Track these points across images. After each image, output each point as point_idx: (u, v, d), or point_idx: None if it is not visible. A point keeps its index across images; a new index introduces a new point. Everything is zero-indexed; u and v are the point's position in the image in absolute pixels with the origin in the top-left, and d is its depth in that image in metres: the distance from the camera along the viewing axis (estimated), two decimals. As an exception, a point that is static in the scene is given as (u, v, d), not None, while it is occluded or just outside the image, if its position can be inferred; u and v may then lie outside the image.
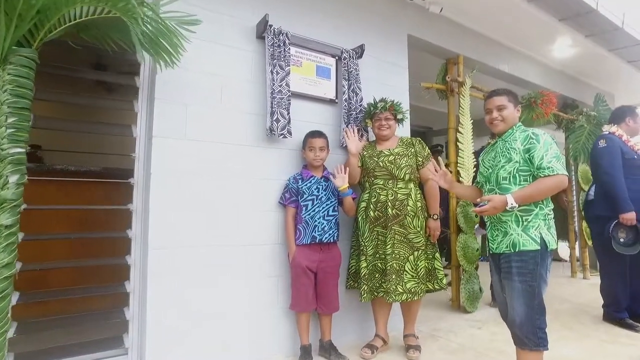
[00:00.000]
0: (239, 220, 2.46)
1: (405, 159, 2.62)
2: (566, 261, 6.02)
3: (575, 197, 5.56)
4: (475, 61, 4.04)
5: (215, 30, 2.47)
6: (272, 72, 2.51)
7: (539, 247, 1.95)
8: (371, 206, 2.59)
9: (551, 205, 2.06)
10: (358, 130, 2.73)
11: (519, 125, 2.20)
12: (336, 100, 2.89)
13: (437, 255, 2.70)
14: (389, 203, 2.55)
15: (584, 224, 5.34)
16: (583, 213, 5.57)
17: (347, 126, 2.82)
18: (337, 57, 2.91)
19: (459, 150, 3.78)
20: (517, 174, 2.06)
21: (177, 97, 2.32)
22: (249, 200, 2.50)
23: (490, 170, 2.20)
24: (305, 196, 2.47)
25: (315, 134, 2.53)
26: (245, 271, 2.47)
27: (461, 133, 3.79)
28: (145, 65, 2.30)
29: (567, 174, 2.01)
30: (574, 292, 4.52)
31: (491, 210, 2.00)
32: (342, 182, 2.48)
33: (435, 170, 2.28)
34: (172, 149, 2.28)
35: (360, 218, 2.65)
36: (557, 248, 2.11)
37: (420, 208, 2.62)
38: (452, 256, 3.84)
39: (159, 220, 2.21)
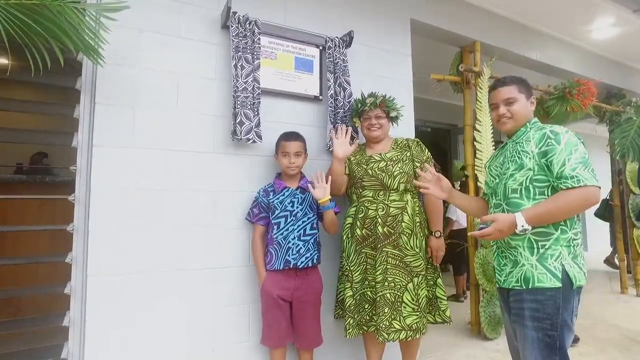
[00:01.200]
0: (199, 240, 2.11)
1: (399, 165, 2.18)
2: (616, 269, 5.26)
3: (624, 200, 4.83)
4: (496, 48, 3.49)
5: (172, 21, 2.14)
6: (236, 66, 2.15)
7: (560, 284, 1.47)
8: (358, 223, 2.16)
9: (578, 227, 1.57)
10: (348, 131, 2.29)
11: (534, 122, 1.72)
12: (321, 97, 2.48)
13: (439, 281, 2.23)
14: (379, 219, 2.12)
15: (636, 232, 4.62)
16: (634, 219, 4.88)
17: (333, 126, 2.41)
18: (321, 47, 2.50)
19: (477, 151, 3.26)
20: (530, 186, 1.58)
21: (123, 100, 2.00)
22: (212, 216, 2.15)
23: (497, 180, 1.73)
24: (277, 212, 2.08)
25: (290, 136, 2.13)
26: (210, 299, 2.11)
27: (479, 131, 3.27)
28: (87, 64, 2.00)
29: (598, 184, 1.50)
30: (624, 315, 3.83)
31: (496, 234, 1.53)
32: (322, 193, 2.07)
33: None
34: (116, 160, 1.96)
35: (345, 237, 2.23)
36: (584, 284, 1.60)
37: (418, 224, 2.17)
38: (470, 274, 3.33)
39: (100, 242, 1.90)
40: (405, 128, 2.80)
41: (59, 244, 1.92)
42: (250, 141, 2.15)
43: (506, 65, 3.73)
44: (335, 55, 2.47)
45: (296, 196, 2.11)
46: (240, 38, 2.18)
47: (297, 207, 2.09)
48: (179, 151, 2.10)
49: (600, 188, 1.55)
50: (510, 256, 1.61)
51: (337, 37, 2.51)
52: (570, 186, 1.49)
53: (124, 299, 1.93)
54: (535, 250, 1.54)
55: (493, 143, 3.29)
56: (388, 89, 2.74)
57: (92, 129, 1.94)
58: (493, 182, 1.77)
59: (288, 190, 2.11)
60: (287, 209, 2.08)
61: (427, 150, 2.32)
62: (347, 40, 2.53)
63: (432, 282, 2.22)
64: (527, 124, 1.72)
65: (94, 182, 1.91)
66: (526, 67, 3.95)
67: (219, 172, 2.19)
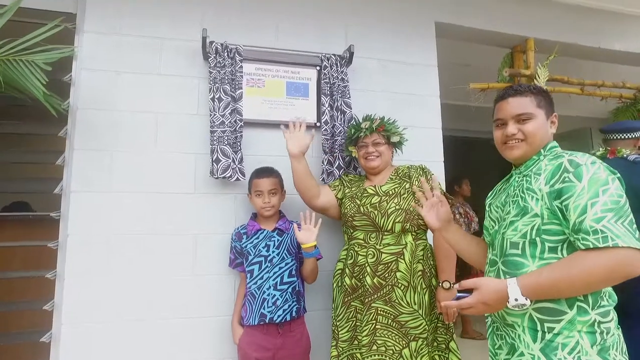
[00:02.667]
0: (180, 288, 1.98)
1: (395, 200, 1.81)
2: None
3: None
4: (556, 43, 2.84)
5: (151, 59, 2.08)
6: (213, 99, 2.00)
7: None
8: (347, 270, 1.83)
9: (609, 303, 1.08)
10: (302, 124, 1.89)
11: (552, 148, 1.27)
12: (319, 124, 2.21)
13: (453, 345, 1.77)
14: (368, 268, 1.76)
15: None
16: None
17: (326, 155, 2.12)
18: (318, 68, 2.24)
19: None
20: (537, 239, 1.14)
21: (101, 144, 1.98)
22: (192, 262, 2.00)
23: (496, 228, 1.29)
24: (250, 258, 1.85)
25: (262, 173, 1.90)
26: (188, 352, 1.96)
27: (535, 147, 2.66)
28: (72, 112, 2.02)
29: (638, 245, 1.00)
30: None
31: (479, 307, 1.10)
32: (308, 237, 1.78)
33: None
34: (94, 205, 1.93)
35: (335, 285, 1.91)
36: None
37: (420, 274, 1.76)
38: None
39: (76, 289, 1.87)
40: (432, 150, 2.40)
41: (44, 291, 1.95)
42: (233, 179, 1.97)
43: (572, 62, 3.03)
44: (332, 75, 2.19)
45: (272, 239, 1.86)
46: (219, 69, 2.03)
47: (273, 252, 1.84)
48: (158, 193, 2.01)
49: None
50: (507, 337, 1.16)
51: (334, 55, 2.22)
52: (591, 245, 1.02)
53: (99, 348, 1.86)
54: (540, 334, 1.08)
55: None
56: (408, 107, 2.40)
57: (70, 175, 1.94)
58: (492, 228, 1.32)
59: (263, 233, 1.87)
60: (262, 254, 1.83)
61: (435, 178, 1.90)
62: (347, 56, 2.24)
63: (443, 346, 1.77)
64: (542, 150, 1.27)
65: (71, 228, 1.90)
66: (605, 60, 3.17)
67: (200, 214, 2.04)
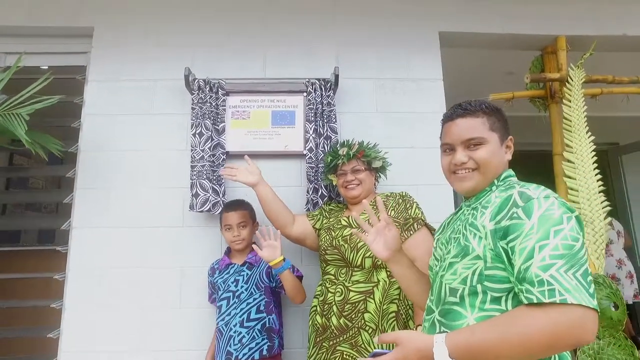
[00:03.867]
0: (167, 320, 2.01)
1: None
2: None
3: None
4: (593, 38, 2.42)
5: (144, 101, 2.22)
6: (194, 135, 2.05)
7: None
8: (318, 308, 1.70)
9: None
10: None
11: (506, 178, 1.08)
12: (305, 152, 2.14)
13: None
14: (335, 307, 1.61)
15: None
16: None
17: (311, 184, 2.03)
18: (305, 94, 2.19)
19: (570, 192, 2.25)
20: (479, 286, 0.97)
21: (99, 183, 2.13)
22: (178, 295, 2.03)
23: (437, 269, 1.10)
24: (220, 293, 1.81)
25: (229, 207, 1.87)
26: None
27: (571, 162, 2.27)
28: (79, 155, 2.22)
29: (594, 305, 0.81)
30: None
31: None
32: (270, 253, 1.69)
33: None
34: (91, 240, 2.07)
35: (310, 323, 1.77)
36: None
37: (392, 316, 1.56)
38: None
39: (74, 320, 2.01)
40: (437, 173, 2.16)
41: (55, 319, 2.12)
42: (217, 212, 1.98)
43: (613, 57, 2.55)
44: (317, 101, 2.11)
45: (242, 273, 1.80)
46: (201, 104, 2.08)
47: (242, 287, 1.78)
48: (149, 227, 2.09)
49: (597, 313, 0.82)
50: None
51: (318, 80, 2.15)
52: (535, 300, 0.83)
53: (93, 379, 1.96)
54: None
55: (599, 178, 2.23)
56: (409, 126, 2.24)
57: (73, 212, 2.12)
58: (434, 268, 1.13)
59: (233, 267, 1.83)
60: (230, 289, 1.79)
61: (416, 205, 1.70)
62: (333, 79, 2.14)
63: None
64: (495, 180, 1.06)
65: (71, 262, 2.06)
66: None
67: (188, 247, 2.07)
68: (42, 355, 2.02)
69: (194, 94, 2.10)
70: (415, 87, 2.28)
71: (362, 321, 1.55)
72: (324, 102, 2.11)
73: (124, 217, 2.10)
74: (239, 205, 1.87)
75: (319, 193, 2.01)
